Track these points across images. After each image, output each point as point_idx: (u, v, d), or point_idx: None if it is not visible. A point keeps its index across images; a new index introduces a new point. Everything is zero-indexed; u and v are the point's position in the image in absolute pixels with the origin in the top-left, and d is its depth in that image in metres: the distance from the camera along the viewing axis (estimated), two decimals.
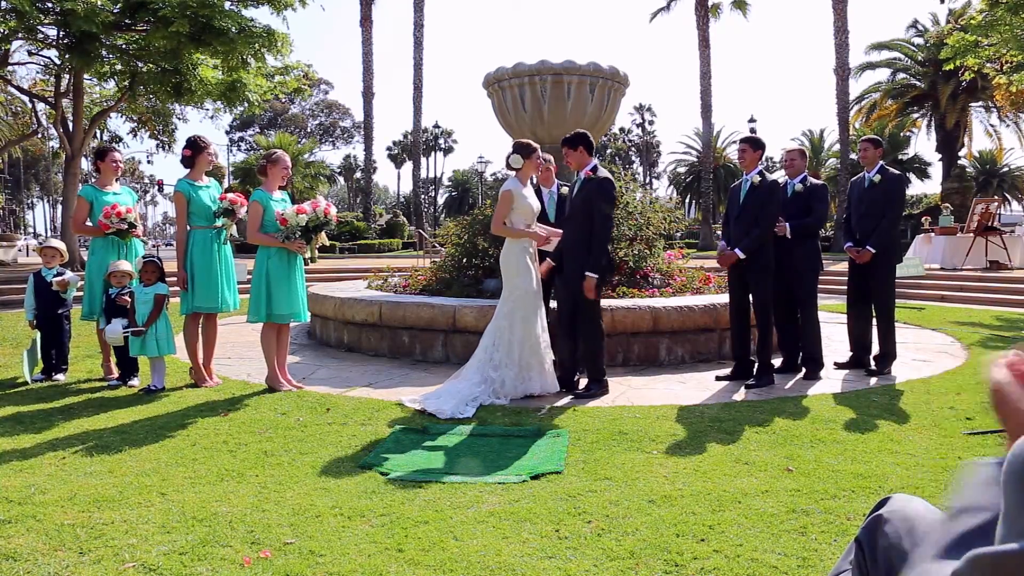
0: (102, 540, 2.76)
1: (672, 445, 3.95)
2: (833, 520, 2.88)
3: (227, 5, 13.85)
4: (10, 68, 17.30)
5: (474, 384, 4.96)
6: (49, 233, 49.97)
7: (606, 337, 6.34)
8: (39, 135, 24.57)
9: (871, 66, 31.80)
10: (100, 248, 5.75)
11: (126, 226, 5.61)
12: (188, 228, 5.52)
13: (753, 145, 5.70)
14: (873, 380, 5.76)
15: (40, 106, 19.45)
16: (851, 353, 6.28)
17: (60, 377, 5.81)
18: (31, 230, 57.66)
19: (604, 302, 6.67)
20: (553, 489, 3.28)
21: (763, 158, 5.80)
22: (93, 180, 6.16)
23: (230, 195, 5.60)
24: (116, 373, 5.80)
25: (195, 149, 5.59)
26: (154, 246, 31.90)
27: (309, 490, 3.30)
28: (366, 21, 32.25)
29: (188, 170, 5.62)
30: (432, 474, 3.53)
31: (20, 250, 23.12)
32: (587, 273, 5.08)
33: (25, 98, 20.17)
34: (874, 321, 6.15)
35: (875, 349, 6.13)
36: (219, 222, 5.53)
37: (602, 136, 12.56)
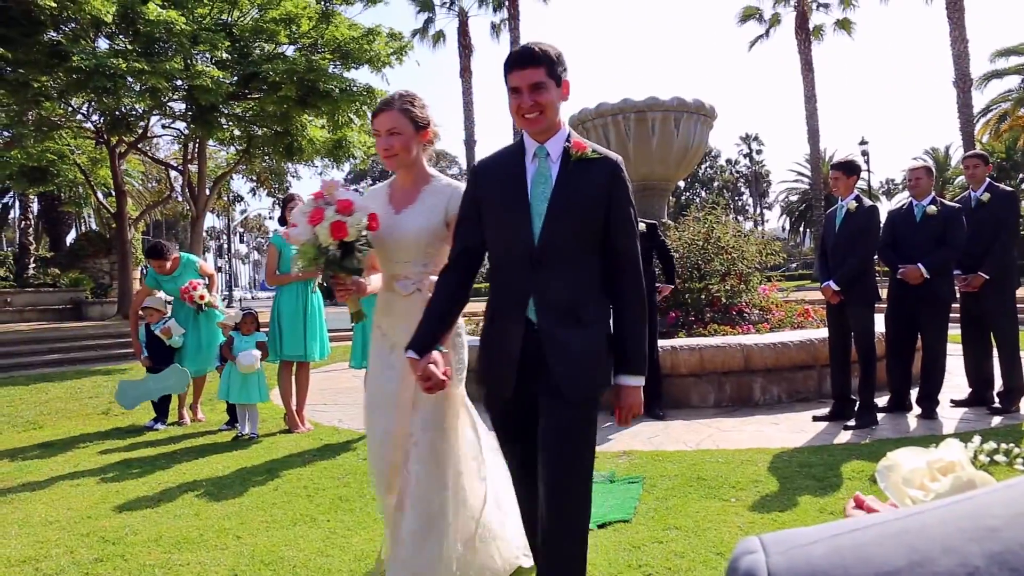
0: None
1: (753, 493, 3.71)
2: None
3: (331, 69, 14.79)
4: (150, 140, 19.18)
5: None
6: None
7: (696, 376, 6.16)
8: (173, 198, 26.94)
9: (997, 75, 29.54)
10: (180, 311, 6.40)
11: (195, 306, 6.31)
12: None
13: (847, 171, 5.32)
14: (996, 419, 5.19)
15: (173, 172, 21.41)
16: (970, 389, 5.71)
17: (159, 426, 6.20)
18: None
19: (692, 340, 6.43)
20: (617, 539, 3.15)
21: (857, 182, 5.46)
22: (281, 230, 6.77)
23: None
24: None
25: (287, 208, 6.01)
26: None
27: (375, 535, 3.33)
28: (465, 72, 33.43)
29: (283, 227, 6.02)
30: None
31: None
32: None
33: (161, 167, 22.24)
34: (995, 352, 5.57)
35: (999, 384, 5.55)
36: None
37: (693, 167, 12.29)
